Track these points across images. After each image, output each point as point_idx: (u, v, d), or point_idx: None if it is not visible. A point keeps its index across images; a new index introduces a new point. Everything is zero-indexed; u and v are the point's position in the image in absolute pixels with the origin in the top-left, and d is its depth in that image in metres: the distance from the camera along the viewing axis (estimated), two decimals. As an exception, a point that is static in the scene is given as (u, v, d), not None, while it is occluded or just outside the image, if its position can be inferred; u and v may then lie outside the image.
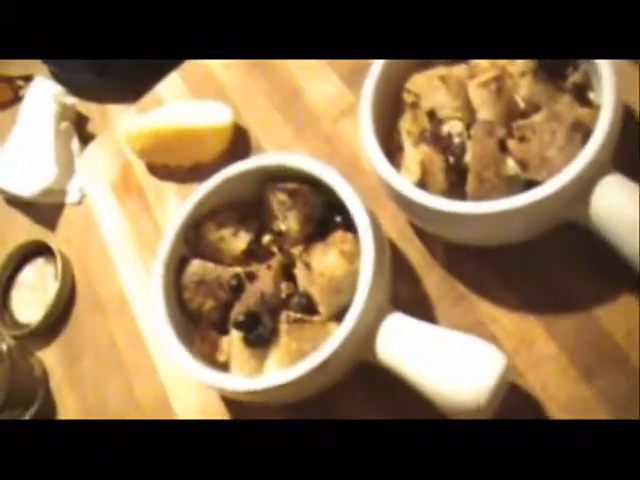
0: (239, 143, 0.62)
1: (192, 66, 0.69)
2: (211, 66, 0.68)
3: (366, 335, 0.44)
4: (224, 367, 0.48)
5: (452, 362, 0.42)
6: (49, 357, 0.62)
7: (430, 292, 0.50)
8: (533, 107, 0.46)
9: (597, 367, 0.44)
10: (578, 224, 0.44)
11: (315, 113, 0.60)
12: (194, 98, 0.67)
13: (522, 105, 0.47)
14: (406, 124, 0.49)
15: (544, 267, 0.47)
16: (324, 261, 0.47)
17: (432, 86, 0.48)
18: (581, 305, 0.46)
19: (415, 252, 0.51)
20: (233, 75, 0.66)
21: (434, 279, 0.50)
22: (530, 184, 0.44)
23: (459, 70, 0.49)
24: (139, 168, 0.67)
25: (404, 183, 0.46)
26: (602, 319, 0.45)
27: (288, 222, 0.50)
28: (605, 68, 0.44)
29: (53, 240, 0.66)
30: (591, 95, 0.47)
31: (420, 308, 0.49)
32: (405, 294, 0.50)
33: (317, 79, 0.61)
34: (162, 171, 0.66)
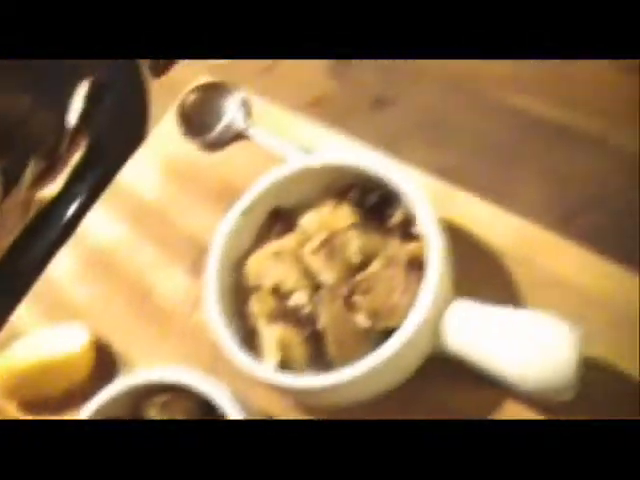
0: (106, 360, 0.60)
1: (43, 290, 0.67)
2: (63, 286, 0.66)
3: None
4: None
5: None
6: None
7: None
8: (367, 258, 0.47)
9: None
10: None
11: (170, 311, 0.59)
12: (50, 322, 0.65)
13: (357, 258, 0.48)
14: (255, 307, 0.49)
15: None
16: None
17: (268, 264, 0.49)
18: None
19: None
20: (86, 291, 0.65)
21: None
22: (389, 331, 0.45)
23: (290, 240, 0.50)
24: (11, 407, 0.64)
25: (265, 370, 0.45)
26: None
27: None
28: (418, 203, 0.46)
29: None
30: (415, 228, 0.48)
31: None
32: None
33: (165, 276, 0.61)
34: (35, 404, 0.62)
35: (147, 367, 0.55)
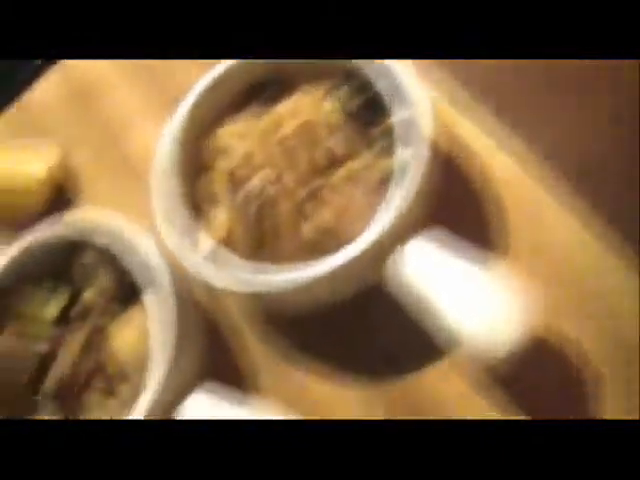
0: (68, 188, 0.58)
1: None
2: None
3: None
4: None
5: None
6: None
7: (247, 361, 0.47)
8: (337, 162, 0.43)
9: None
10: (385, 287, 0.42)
11: (137, 163, 0.56)
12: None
13: (325, 160, 0.44)
14: (209, 184, 0.46)
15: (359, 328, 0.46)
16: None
17: (233, 143, 0.46)
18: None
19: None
20: (63, 120, 0.62)
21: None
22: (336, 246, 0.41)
23: (263, 123, 0.45)
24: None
25: (195, 260, 0.43)
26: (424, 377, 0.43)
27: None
28: (419, 117, 0.42)
29: None
30: (400, 146, 0.44)
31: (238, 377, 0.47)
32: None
33: (143, 127, 0.57)
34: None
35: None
